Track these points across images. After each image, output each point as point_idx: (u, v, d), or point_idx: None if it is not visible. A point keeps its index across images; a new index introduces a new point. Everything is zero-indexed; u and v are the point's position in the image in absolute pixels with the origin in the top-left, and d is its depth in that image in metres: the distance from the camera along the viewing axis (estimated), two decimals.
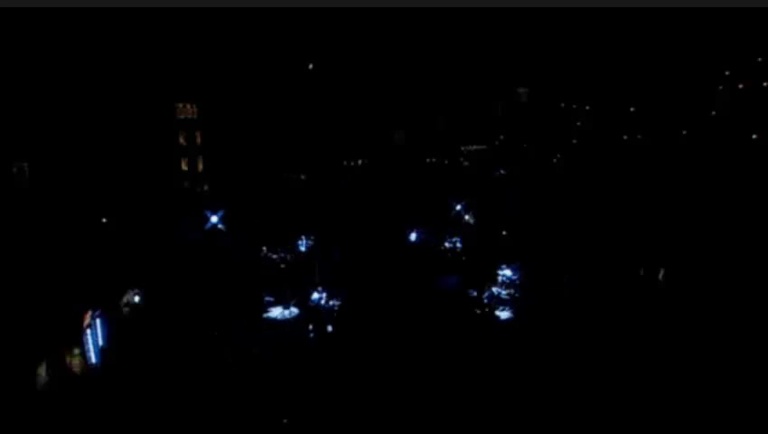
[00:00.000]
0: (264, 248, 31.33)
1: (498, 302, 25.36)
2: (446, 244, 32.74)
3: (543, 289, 26.04)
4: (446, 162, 52.64)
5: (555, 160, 50.40)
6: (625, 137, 47.20)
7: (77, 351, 18.16)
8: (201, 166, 43.71)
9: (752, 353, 16.76)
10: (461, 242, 32.53)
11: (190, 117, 43.18)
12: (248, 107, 44.69)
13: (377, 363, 18.91)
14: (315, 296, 25.80)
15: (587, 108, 50.15)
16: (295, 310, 24.81)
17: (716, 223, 27.13)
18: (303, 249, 31.74)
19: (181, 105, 42.64)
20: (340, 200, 41.56)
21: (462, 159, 53.40)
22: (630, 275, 25.04)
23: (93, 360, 19.02)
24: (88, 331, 19.03)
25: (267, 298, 26.02)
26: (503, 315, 24.11)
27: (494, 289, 26.14)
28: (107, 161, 35.45)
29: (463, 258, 31.34)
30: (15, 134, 31.47)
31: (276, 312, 24.82)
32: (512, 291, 25.51)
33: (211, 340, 21.41)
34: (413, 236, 32.78)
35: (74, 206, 29.45)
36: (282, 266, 30.30)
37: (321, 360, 19.36)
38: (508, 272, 26.14)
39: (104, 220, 30.43)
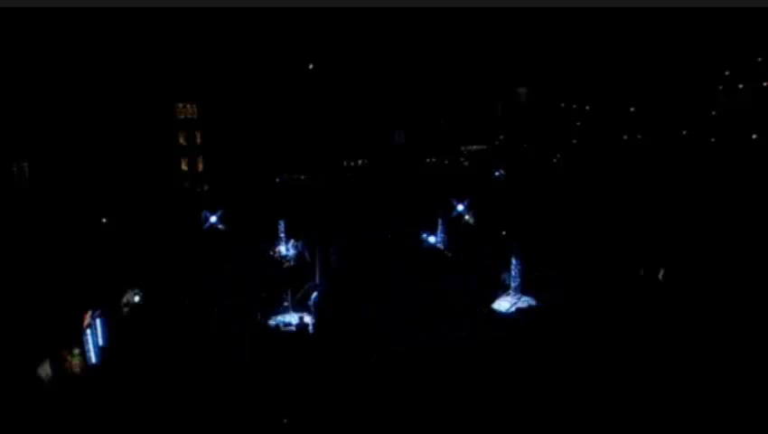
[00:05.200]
0: (265, 248, 31.34)
1: (498, 300, 25.47)
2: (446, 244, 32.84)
3: (543, 289, 26.09)
4: (446, 162, 52.65)
5: (555, 160, 50.40)
6: (625, 137, 47.20)
7: (77, 351, 18.18)
8: (201, 166, 43.74)
9: (752, 352, 16.76)
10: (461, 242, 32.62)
11: (190, 117, 43.20)
12: (248, 107, 44.70)
13: (377, 362, 18.92)
14: (315, 295, 25.82)
15: (587, 108, 50.15)
16: (306, 317, 24.16)
17: (716, 223, 27.13)
18: (303, 249, 31.79)
19: (181, 105, 42.66)
20: (340, 200, 41.59)
21: (462, 159, 53.42)
22: (630, 275, 25.04)
23: (93, 360, 19.04)
24: (88, 331, 19.04)
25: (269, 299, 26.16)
26: (504, 312, 24.21)
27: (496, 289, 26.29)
28: (107, 161, 35.47)
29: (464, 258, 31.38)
30: (15, 134, 31.46)
31: (286, 318, 24.31)
32: (513, 290, 25.57)
33: (211, 340, 21.44)
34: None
35: (74, 206, 29.47)
36: (284, 266, 30.32)
37: (321, 359, 19.36)
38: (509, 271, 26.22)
39: (104, 220, 30.44)
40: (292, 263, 30.03)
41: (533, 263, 27.98)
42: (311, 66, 47.60)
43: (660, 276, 24.03)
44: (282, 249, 30.58)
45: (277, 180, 45.87)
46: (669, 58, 42.80)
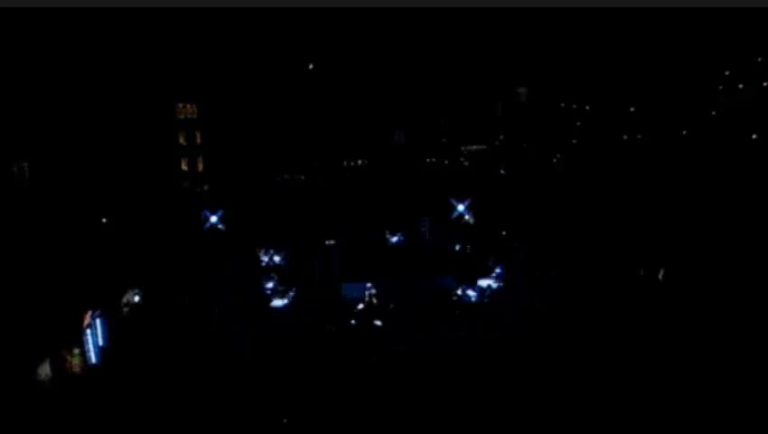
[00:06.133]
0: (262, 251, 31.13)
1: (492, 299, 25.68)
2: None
3: (539, 289, 26.12)
4: (446, 162, 52.60)
5: (555, 160, 50.34)
6: (625, 137, 47.14)
7: (77, 351, 18.17)
8: (200, 166, 43.71)
9: (752, 352, 16.75)
10: (460, 244, 32.66)
11: (190, 117, 43.16)
12: (247, 107, 44.66)
13: (377, 362, 18.92)
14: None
15: (587, 108, 50.10)
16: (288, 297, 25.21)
17: (716, 223, 27.11)
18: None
19: (181, 105, 42.62)
20: (340, 200, 41.59)
21: (462, 159, 53.36)
22: (630, 275, 25.04)
23: (93, 360, 19.03)
24: (88, 331, 19.04)
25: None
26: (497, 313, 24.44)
27: (488, 283, 26.62)
28: (107, 161, 35.43)
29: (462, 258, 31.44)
30: (15, 134, 31.42)
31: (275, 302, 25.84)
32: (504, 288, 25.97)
33: (210, 339, 21.44)
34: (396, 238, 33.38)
35: (74, 206, 29.44)
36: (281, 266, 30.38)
37: (321, 358, 19.36)
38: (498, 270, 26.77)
39: (104, 220, 30.42)
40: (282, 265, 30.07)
41: (533, 263, 28.03)
42: (311, 66, 47.57)
43: (660, 276, 24.03)
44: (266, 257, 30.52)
45: (277, 180, 45.88)
46: (669, 58, 42.76)
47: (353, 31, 45.36)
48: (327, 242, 32.77)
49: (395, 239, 33.84)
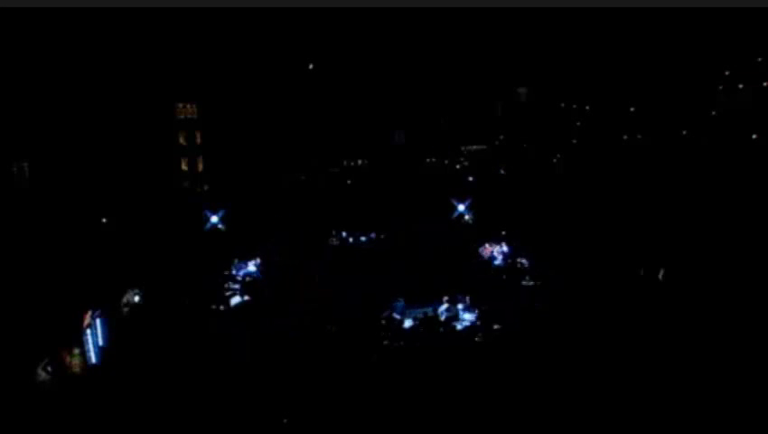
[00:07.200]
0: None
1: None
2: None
3: (539, 289, 26.13)
4: (446, 162, 52.68)
5: (555, 160, 50.37)
6: (625, 137, 47.16)
7: (77, 351, 18.15)
8: (200, 166, 43.74)
9: (752, 353, 16.75)
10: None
11: (190, 117, 43.19)
12: (247, 107, 44.69)
13: (377, 362, 18.93)
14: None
15: (587, 108, 50.12)
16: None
17: (716, 223, 27.11)
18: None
19: (181, 105, 42.65)
20: (341, 200, 41.65)
21: (462, 159, 53.45)
22: (630, 275, 25.03)
23: (93, 360, 19.02)
24: (88, 331, 19.02)
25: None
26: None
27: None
28: (107, 161, 35.45)
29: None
30: (15, 134, 31.42)
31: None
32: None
33: (210, 339, 21.44)
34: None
35: (74, 206, 29.45)
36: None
37: (321, 358, 19.35)
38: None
39: (104, 220, 30.42)
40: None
41: (533, 263, 28.03)
42: (311, 66, 47.58)
43: (660, 276, 24.02)
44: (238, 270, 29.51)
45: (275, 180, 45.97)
46: (669, 58, 42.76)
47: (353, 31, 45.37)
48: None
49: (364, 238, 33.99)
